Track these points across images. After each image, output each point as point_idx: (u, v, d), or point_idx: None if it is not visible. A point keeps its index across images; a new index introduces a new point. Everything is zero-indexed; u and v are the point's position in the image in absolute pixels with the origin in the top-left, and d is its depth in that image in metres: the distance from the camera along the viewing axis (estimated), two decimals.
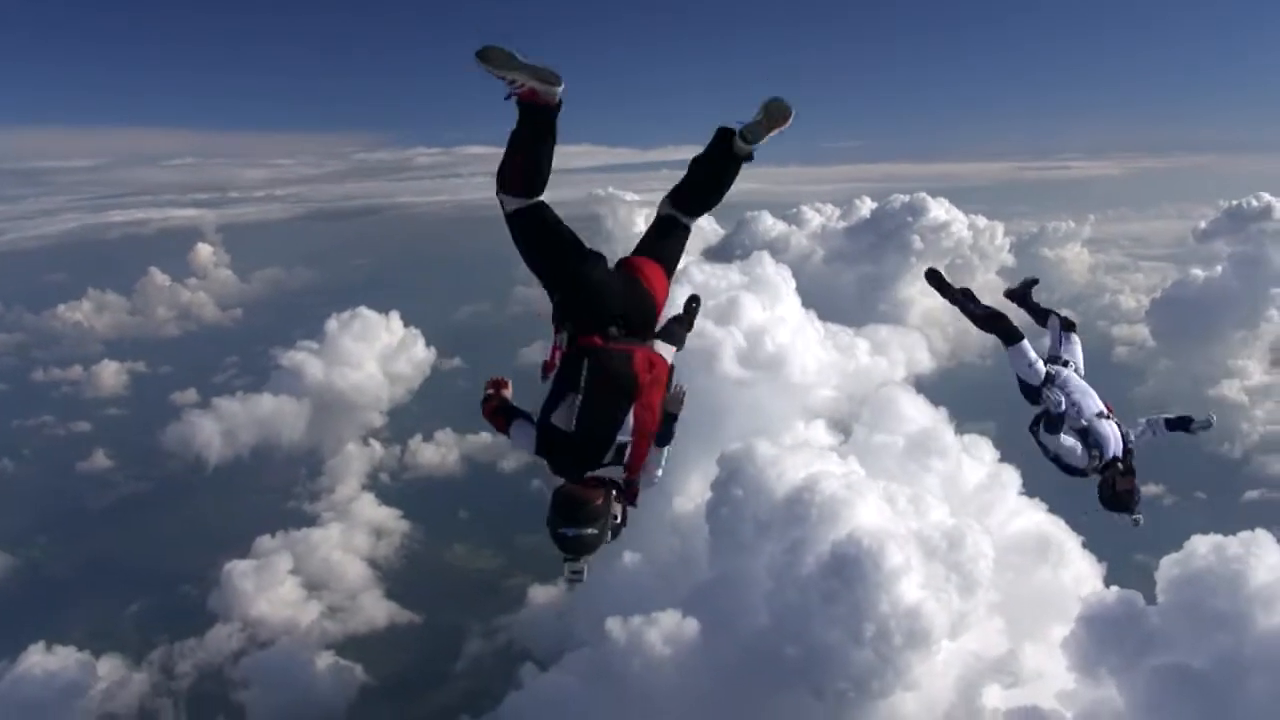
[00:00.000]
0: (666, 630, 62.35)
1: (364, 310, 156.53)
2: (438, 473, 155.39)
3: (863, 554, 57.16)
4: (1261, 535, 54.06)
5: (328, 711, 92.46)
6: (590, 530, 9.35)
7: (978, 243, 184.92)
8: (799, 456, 65.64)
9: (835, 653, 57.33)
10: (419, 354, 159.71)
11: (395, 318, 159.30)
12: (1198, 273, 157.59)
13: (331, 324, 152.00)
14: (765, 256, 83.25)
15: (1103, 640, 54.78)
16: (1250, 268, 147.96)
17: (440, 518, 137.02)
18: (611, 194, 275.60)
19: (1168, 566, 55.35)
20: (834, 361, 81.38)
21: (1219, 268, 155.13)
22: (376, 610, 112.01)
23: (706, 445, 70.03)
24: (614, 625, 62.96)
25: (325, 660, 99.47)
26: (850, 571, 57.42)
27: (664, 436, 10.32)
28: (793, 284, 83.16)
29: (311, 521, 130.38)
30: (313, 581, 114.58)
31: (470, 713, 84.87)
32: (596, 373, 8.96)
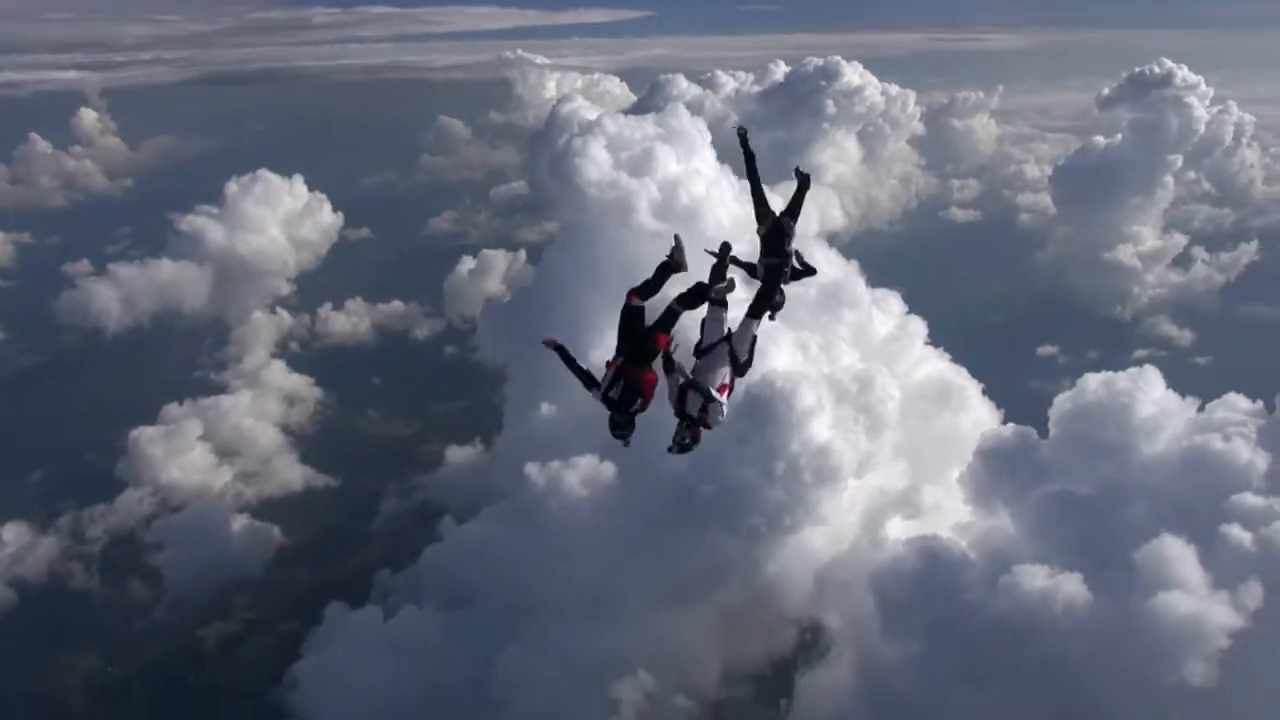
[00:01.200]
0: (584, 473, 63.64)
1: (265, 174, 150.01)
2: (349, 341, 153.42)
3: (776, 395, 58.81)
4: (1150, 370, 57.18)
5: (245, 571, 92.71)
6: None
7: (890, 110, 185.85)
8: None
9: (748, 491, 59.44)
10: (325, 219, 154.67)
11: (299, 182, 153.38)
12: (1099, 140, 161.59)
13: (231, 188, 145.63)
14: (681, 108, 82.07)
15: (997, 472, 57.83)
16: (1149, 135, 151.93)
17: (353, 385, 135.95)
18: (522, 57, 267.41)
19: (1060, 402, 58.28)
20: (749, 216, 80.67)
21: (1119, 136, 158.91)
22: (291, 474, 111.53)
23: (618, 298, 70.18)
24: (532, 470, 63.94)
25: (240, 523, 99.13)
26: (763, 412, 59.13)
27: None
28: (708, 137, 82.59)
29: (220, 390, 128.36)
30: (224, 447, 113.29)
31: (390, 567, 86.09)
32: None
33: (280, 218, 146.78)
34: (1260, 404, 54.71)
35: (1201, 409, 55.95)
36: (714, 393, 14.19)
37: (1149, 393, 55.68)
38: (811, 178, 15.02)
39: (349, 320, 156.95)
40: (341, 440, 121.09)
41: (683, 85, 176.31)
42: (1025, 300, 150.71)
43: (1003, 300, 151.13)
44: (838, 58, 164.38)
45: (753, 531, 59.20)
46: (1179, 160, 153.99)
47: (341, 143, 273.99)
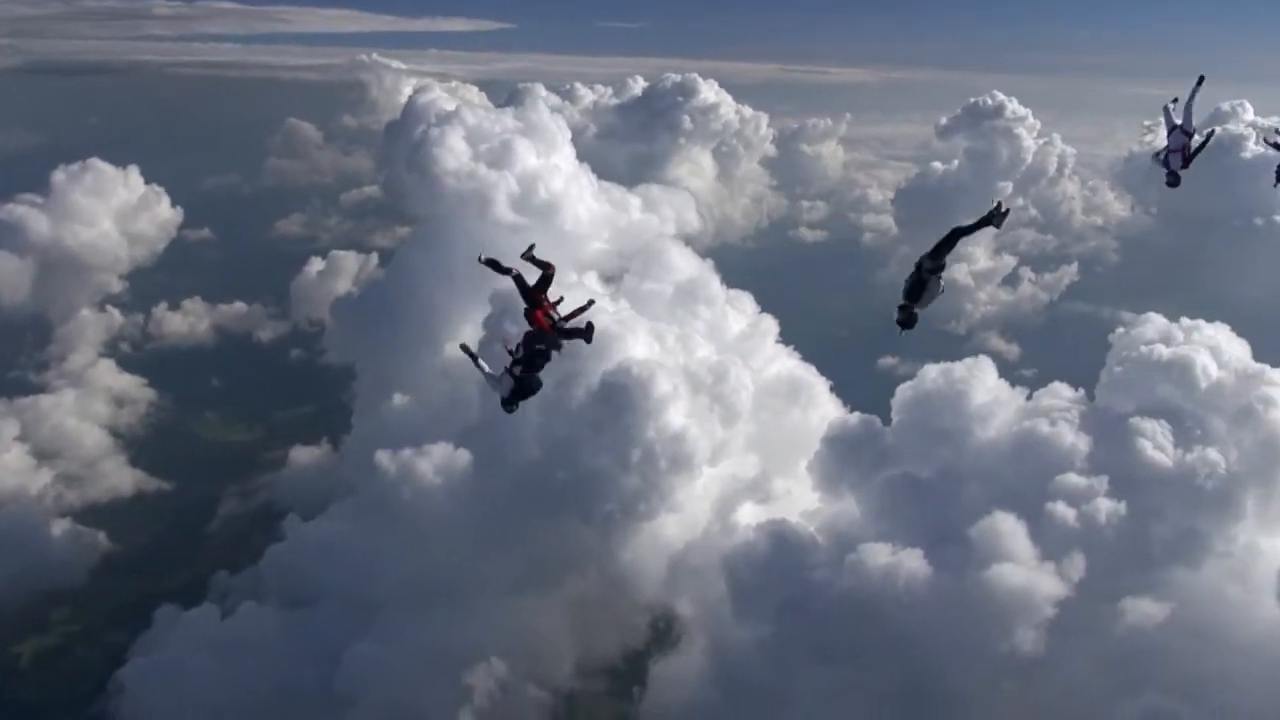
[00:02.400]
0: (438, 461, 62.36)
1: (97, 163, 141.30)
2: (186, 342, 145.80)
3: (632, 382, 59.24)
4: (984, 360, 60.51)
5: (66, 580, 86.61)
6: None
7: (743, 131, 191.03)
8: (572, 294, 66.01)
9: (604, 478, 59.61)
10: (163, 214, 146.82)
11: (134, 173, 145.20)
12: (937, 166, 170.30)
13: (58, 176, 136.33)
14: (541, 104, 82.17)
15: (843, 458, 59.84)
16: (983, 162, 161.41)
17: (190, 387, 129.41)
18: (377, 61, 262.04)
19: (902, 391, 60.85)
20: (607, 215, 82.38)
21: (955, 162, 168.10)
22: (120, 478, 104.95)
23: (477, 290, 69.23)
24: (383, 458, 62.17)
25: (61, 529, 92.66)
26: (619, 400, 59.46)
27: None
28: (568, 134, 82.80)
29: (40, 390, 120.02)
30: (43, 449, 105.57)
31: (228, 569, 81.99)
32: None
33: (113, 210, 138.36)
34: (1082, 392, 58.65)
35: (1029, 398, 59.47)
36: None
37: (983, 381, 58.86)
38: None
39: (186, 320, 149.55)
40: (176, 443, 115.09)
41: (542, 93, 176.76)
42: (868, 315, 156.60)
43: (847, 315, 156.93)
44: (695, 75, 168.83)
45: (608, 518, 59.35)
46: (1009, 187, 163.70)
47: (182, 140, 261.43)
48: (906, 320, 16.25)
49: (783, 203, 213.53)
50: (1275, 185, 20.53)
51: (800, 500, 64.35)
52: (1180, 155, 18.00)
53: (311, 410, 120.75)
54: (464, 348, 18.17)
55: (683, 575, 60.27)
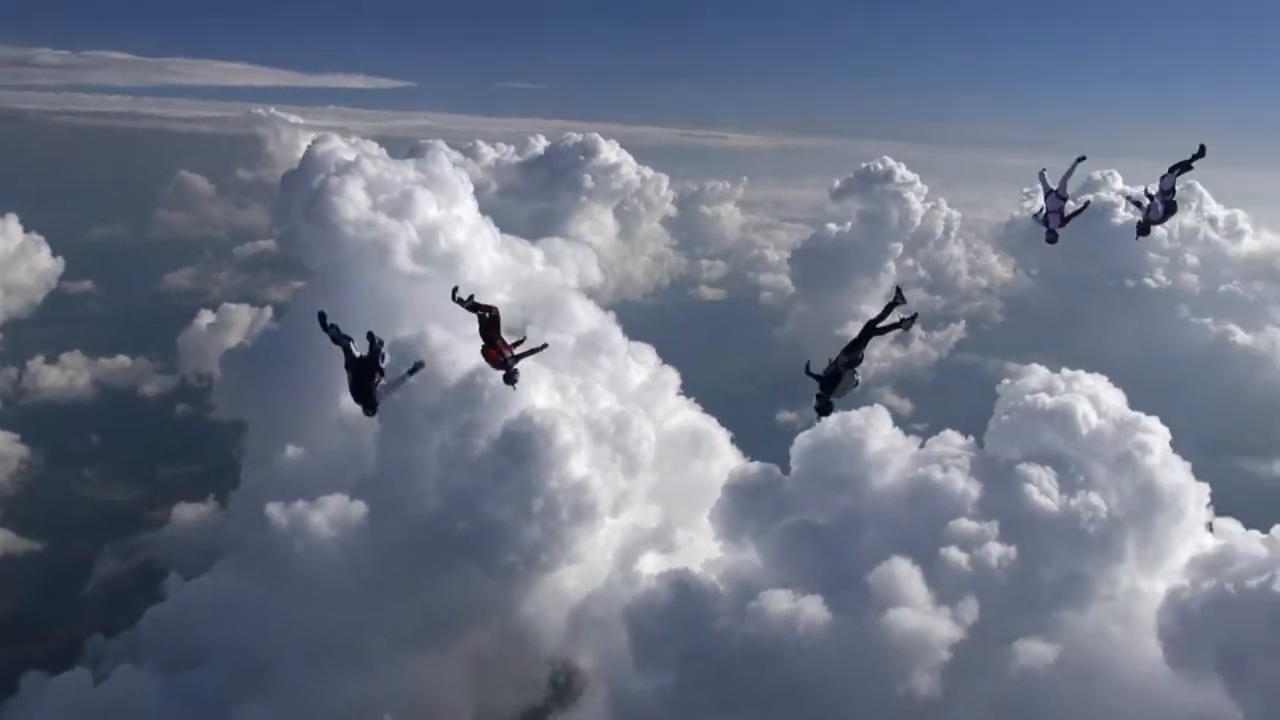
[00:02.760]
0: (332, 513, 60.48)
1: None
2: (63, 397, 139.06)
3: (534, 431, 58.84)
4: (879, 409, 62.04)
5: None
6: None
7: (644, 191, 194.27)
8: (472, 345, 65.62)
9: (504, 528, 58.70)
10: (43, 263, 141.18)
11: (13, 221, 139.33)
12: (831, 227, 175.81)
13: None
14: (442, 156, 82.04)
15: (744, 506, 60.19)
16: (874, 224, 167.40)
17: (67, 444, 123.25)
18: (274, 115, 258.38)
19: (801, 439, 61.77)
20: (509, 267, 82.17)
21: (849, 224, 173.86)
22: None
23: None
24: (274, 510, 59.97)
25: None
26: (521, 449, 58.93)
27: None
28: (470, 186, 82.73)
29: None
30: None
31: (104, 633, 77.54)
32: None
33: None
34: (972, 439, 60.48)
35: (922, 446, 61.03)
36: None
37: (879, 429, 60.18)
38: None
39: (64, 375, 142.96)
40: (50, 503, 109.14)
41: (444, 148, 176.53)
42: (767, 371, 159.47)
43: (747, 371, 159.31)
44: (596, 135, 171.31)
45: (509, 569, 58.37)
46: (900, 248, 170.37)
47: (66, 191, 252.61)
48: (823, 408, 17.19)
49: (683, 261, 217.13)
50: (1137, 238, 21.78)
51: (702, 550, 64.29)
52: (1058, 216, 19.68)
53: (197, 469, 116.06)
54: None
55: (584, 626, 59.51)
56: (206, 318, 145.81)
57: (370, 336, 17.10)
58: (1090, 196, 21.05)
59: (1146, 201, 19.69)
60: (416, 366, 17.99)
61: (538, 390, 63.20)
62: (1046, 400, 58.29)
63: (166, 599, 72.37)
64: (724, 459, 77.05)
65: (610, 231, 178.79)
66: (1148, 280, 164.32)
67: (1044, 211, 20.00)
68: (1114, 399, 59.68)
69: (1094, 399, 59.02)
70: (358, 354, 17.16)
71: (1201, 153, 18.60)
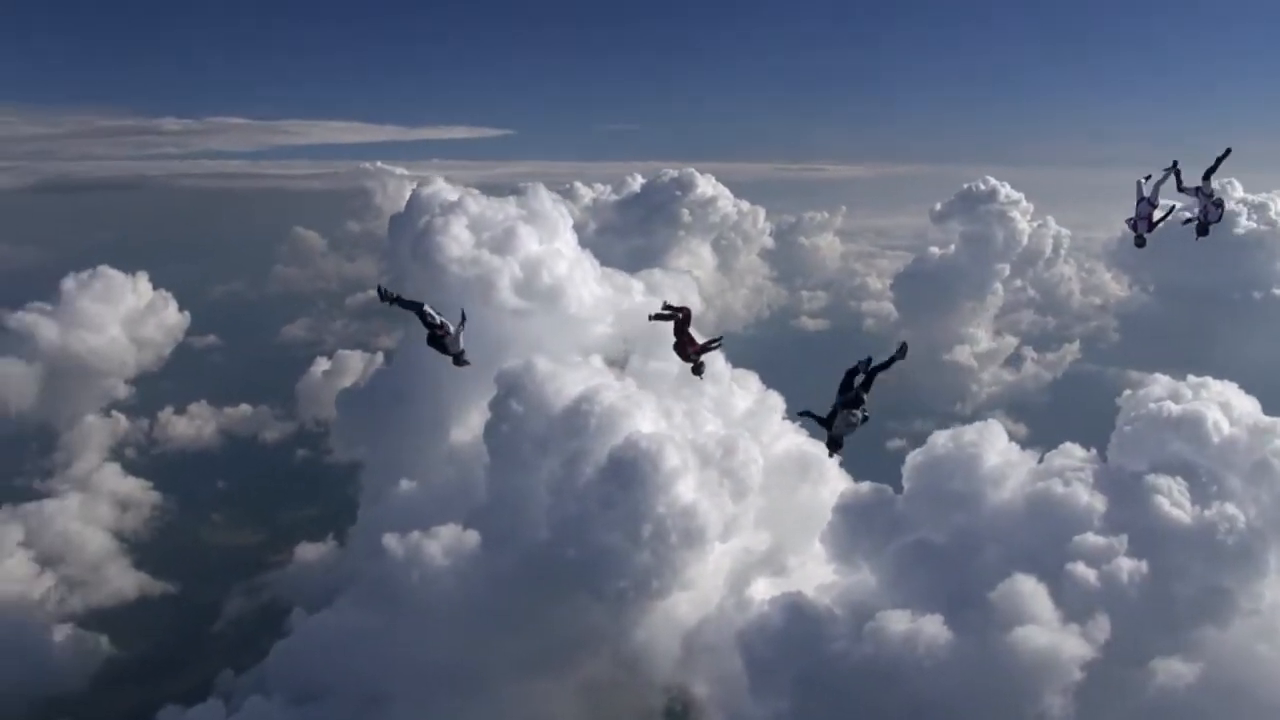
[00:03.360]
0: (446, 543, 61.49)
1: (107, 269, 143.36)
2: (192, 446, 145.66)
3: (641, 456, 58.86)
4: (994, 424, 60.27)
5: (67, 686, 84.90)
6: None
7: (741, 224, 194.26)
8: (577, 373, 66.61)
9: (614, 555, 58.69)
10: (170, 318, 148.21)
11: (143, 279, 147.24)
12: (935, 250, 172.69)
13: (69, 284, 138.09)
14: (541, 190, 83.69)
15: (856, 527, 59.05)
16: (979, 245, 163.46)
17: (195, 490, 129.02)
18: (381, 169, 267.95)
19: (912, 458, 60.36)
20: (610, 298, 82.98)
21: (952, 247, 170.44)
22: (124, 582, 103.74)
23: (483, 378, 69.48)
24: (391, 541, 61.35)
25: (63, 634, 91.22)
26: (628, 474, 58.98)
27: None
28: (570, 220, 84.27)
29: (45, 496, 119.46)
30: (47, 555, 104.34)
31: (234, 669, 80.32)
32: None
33: (121, 316, 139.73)
34: (1094, 451, 58.20)
35: (1041, 460, 58.98)
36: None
37: (993, 444, 58.46)
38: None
39: (192, 424, 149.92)
40: (181, 546, 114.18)
41: (542, 194, 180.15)
42: (873, 402, 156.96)
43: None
44: (692, 170, 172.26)
45: (620, 595, 58.23)
46: (1006, 269, 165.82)
47: (190, 252, 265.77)
48: (833, 445, 19.02)
49: (783, 293, 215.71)
50: (1197, 238, 22.02)
51: (815, 575, 63.32)
52: (1146, 222, 20.56)
53: (316, 511, 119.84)
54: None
55: (697, 653, 58.97)
56: (322, 365, 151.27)
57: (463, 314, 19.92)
58: (1176, 203, 21.14)
59: (1148, 209, 20.64)
60: (463, 318, 20.14)
61: (643, 416, 63.39)
62: (1173, 408, 55.75)
63: (292, 634, 74.56)
64: (833, 483, 75.63)
65: (709, 265, 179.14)
66: (1276, 291, 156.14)
67: (1134, 219, 20.91)
68: (1246, 405, 56.76)
69: (1224, 406, 56.28)
70: (433, 316, 19.69)
71: (1226, 154, 20.13)
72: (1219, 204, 21.01)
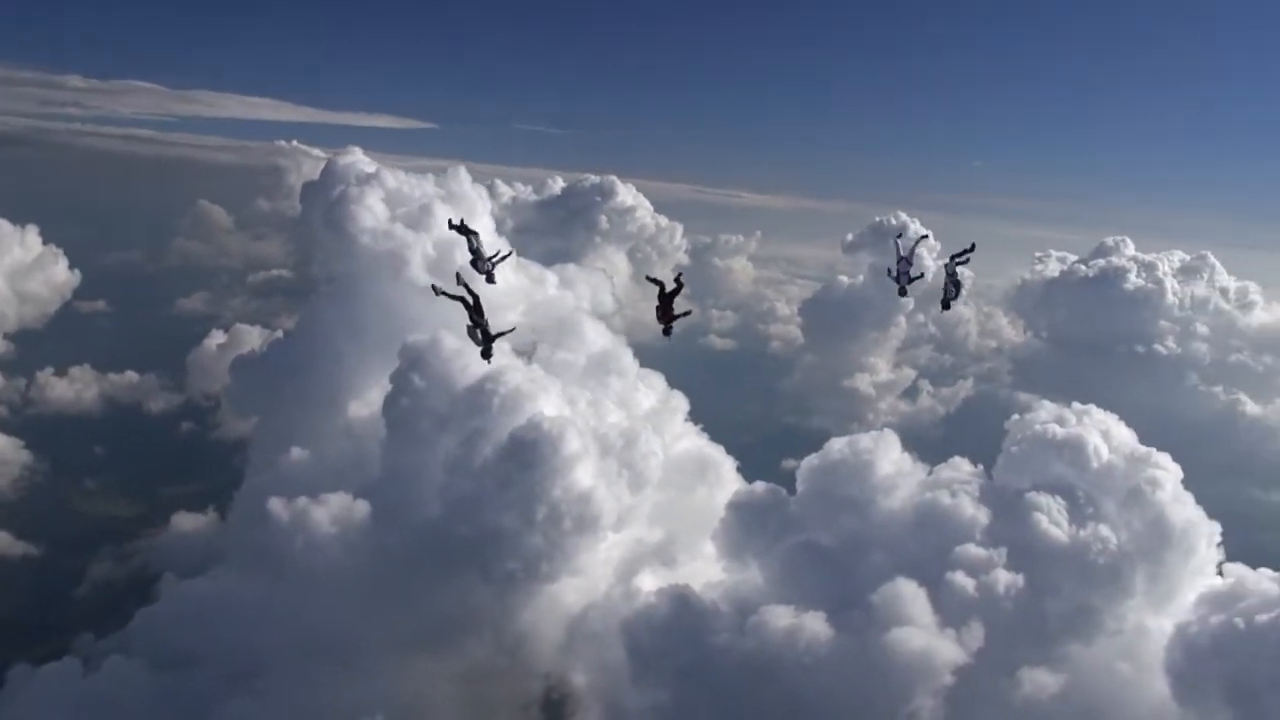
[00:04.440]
0: (335, 511, 59.87)
1: None
2: (70, 409, 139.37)
3: (542, 438, 58.43)
4: (888, 433, 61.63)
5: None
6: None
7: (658, 239, 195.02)
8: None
9: (507, 535, 58.07)
10: (59, 275, 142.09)
11: (32, 232, 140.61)
12: (843, 279, 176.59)
13: None
14: (462, 171, 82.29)
15: (748, 526, 59.65)
16: (886, 278, 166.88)
17: (70, 455, 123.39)
18: (296, 147, 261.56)
19: (808, 462, 61.32)
20: (524, 288, 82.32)
21: (860, 278, 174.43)
22: None
23: (386, 353, 68.12)
24: (276, 505, 59.42)
25: None
26: (528, 455, 58.48)
27: None
28: (489, 205, 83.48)
29: None
30: None
31: (95, 633, 76.82)
32: None
33: (5, 267, 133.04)
34: (981, 468, 60.08)
35: (930, 472, 60.61)
36: None
37: (887, 454, 59.78)
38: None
39: (72, 387, 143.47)
40: (50, 510, 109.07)
41: (463, 173, 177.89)
42: (771, 421, 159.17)
43: (754, 422, 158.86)
44: (613, 177, 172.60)
45: (508, 577, 57.63)
46: (911, 302, 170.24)
47: (85, 214, 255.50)
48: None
49: (693, 310, 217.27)
50: (900, 296, 23.93)
51: (704, 573, 63.45)
52: (906, 276, 22.87)
53: (199, 487, 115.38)
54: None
55: (580, 640, 58.62)
56: (217, 338, 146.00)
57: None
58: (925, 272, 24.62)
59: (906, 266, 23.01)
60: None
61: (547, 400, 62.95)
62: (1058, 431, 57.92)
63: (160, 600, 71.61)
64: (729, 487, 76.26)
65: (624, 274, 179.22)
66: (1158, 347, 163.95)
67: (897, 271, 23.11)
68: (1125, 434, 59.31)
69: (1105, 434, 58.65)
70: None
71: (972, 248, 22.72)
72: (958, 285, 23.27)
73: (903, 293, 22.47)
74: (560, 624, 59.88)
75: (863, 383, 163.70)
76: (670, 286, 20.42)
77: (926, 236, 24.96)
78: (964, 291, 23.40)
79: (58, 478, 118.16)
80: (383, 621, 57.82)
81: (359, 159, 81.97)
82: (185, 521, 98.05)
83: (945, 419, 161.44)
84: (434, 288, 21.29)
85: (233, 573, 66.22)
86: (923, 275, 23.86)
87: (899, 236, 23.65)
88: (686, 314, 20.97)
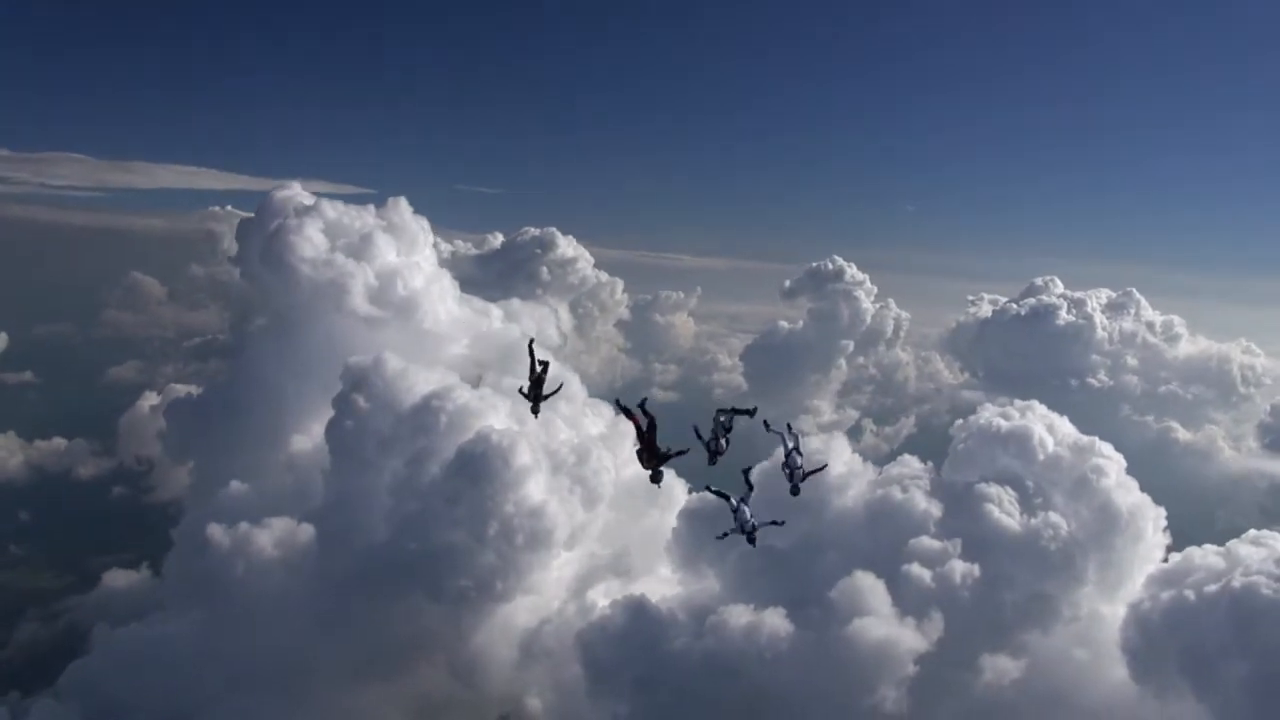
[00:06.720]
0: (278, 535, 58.05)
1: None
2: None
3: (491, 450, 57.49)
4: (839, 437, 62.06)
5: None
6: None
7: (599, 293, 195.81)
8: (432, 372, 64.89)
9: (457, 553, 56.73)
10: None
11: None
12: (783, 324, 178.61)
13: None
14: (402, 202, 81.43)
15: (700, 532, 58.90)
16: (825, 321, 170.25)
17: None
18: (230, 212, 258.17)
19: (759, 468, 60.74)
20: (468, 320, 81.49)
21: (800, 322, 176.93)
22: None
23: (328, 385, 66.84)
24: (215, 531, 57.39)
25: None
26: (477, 469, 57.42)
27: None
28: (431, 238, 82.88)
29: None
30: None
31: (21, 691, 72.80)
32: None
33: None
34: (930, 464, 60.51)
35: (881, 471, 60.87)
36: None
37: (839, 455, 60.01)
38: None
39: None
40: None
41: (403, 204, 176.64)
42: (716, 472, 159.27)
43: (700, 472, 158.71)
44: (553, 229, 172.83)
45: (460, 595, 56.12)
46: (851, 345, 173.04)
47: (11, 286, 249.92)
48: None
49: (636, 365, 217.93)
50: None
51: (659, 591, 62.52)
52: (802, 471, 19.74)
53: (132, 554, 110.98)
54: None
55: (535, 657, 57.12)
56: (150, 399, 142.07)
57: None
58: (826, 462, 23.58)
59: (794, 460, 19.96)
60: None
61: (496, 416, 62.10)
62: (1003, 424, 58.79)
63: (92, 651, 68.36)
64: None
65: (566, 326, 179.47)
66: (1091, 380, 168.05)
67: (788, 467, 20.03)
68: (1067, 427, 60.31)
69: (1049, 427, 59.60)
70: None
71: (753, 412, 19.75)
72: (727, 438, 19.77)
73: (795, 491, 19.56)
74: (514, 644, 58.27)
75: (807, 424, 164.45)
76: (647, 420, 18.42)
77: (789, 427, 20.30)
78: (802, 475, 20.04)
79: None
80: (329, 649, 55.80)
81: (297, 192, 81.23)
82: (117, 578, 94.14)
83: (890, 456, 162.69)
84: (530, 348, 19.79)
85: (170, 614, 63.63)
86: (824, 467, 22.02)
87: (788, 428, 20.37)
88: (683, 453, 18.59)
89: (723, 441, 18.99)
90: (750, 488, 20.20)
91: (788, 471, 19.89)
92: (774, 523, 19.69)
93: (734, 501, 19.72)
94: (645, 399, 18.45)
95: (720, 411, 19.23)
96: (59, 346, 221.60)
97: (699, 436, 18.85)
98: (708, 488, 20.19)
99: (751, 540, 18.94)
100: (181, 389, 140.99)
